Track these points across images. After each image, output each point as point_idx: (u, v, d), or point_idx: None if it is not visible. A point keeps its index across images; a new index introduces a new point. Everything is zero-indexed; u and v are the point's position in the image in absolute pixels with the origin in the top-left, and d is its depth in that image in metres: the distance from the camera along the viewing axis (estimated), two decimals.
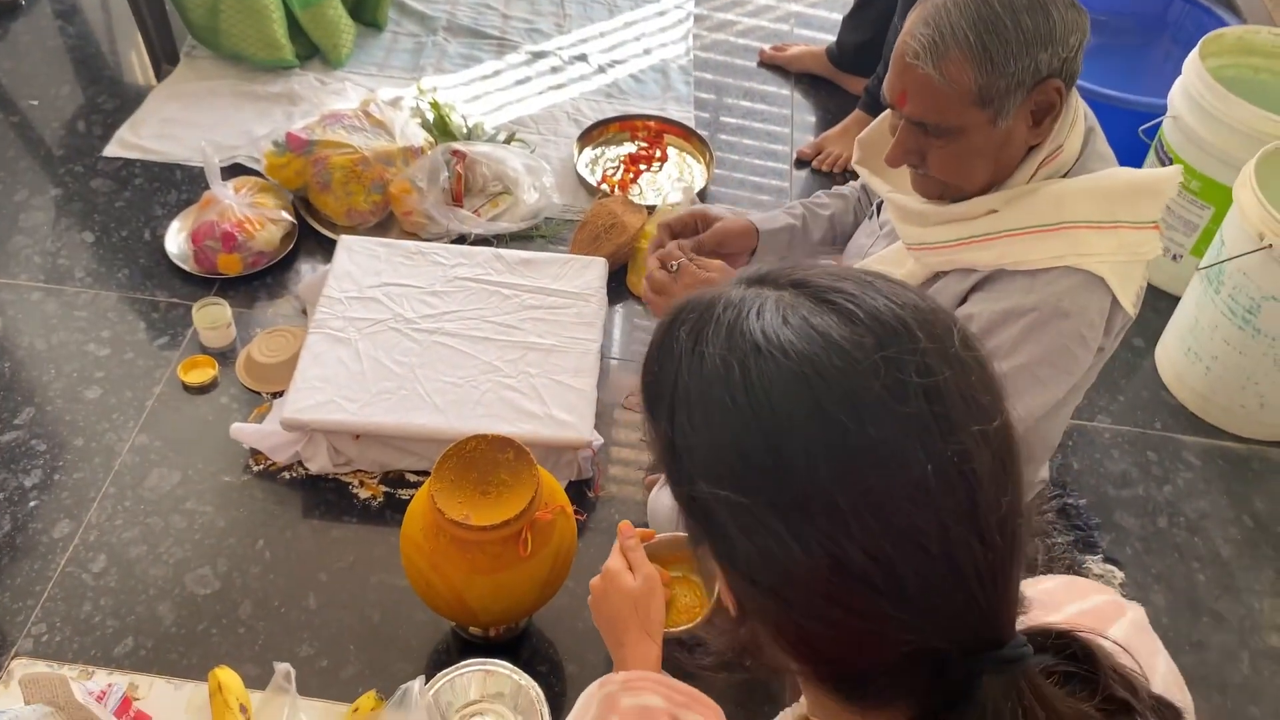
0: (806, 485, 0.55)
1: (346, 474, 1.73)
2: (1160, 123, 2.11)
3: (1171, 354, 2.02)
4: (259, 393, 1.84)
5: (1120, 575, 1.69)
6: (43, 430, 1.76)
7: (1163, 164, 2.10)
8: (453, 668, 1.19)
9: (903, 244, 1.28)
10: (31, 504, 1.66)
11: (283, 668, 1.26)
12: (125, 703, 1.22)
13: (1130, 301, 1.19)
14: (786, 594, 0.58)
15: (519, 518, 1.29)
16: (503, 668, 1.21)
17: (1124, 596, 1.69)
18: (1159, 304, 2.12)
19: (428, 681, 1.18)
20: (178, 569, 1.60)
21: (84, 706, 1.10)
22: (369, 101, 2.21)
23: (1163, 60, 2.74)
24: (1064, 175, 1.19)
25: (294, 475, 1.72)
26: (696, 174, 2.36)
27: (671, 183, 2.33)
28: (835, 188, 1.57)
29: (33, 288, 1.99)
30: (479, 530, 1.28)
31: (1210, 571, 1.73)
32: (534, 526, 1.32)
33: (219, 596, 1.57)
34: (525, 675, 1.22)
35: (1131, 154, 2.20)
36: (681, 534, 1.28)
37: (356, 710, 1.23)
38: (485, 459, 1.36)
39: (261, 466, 1.73)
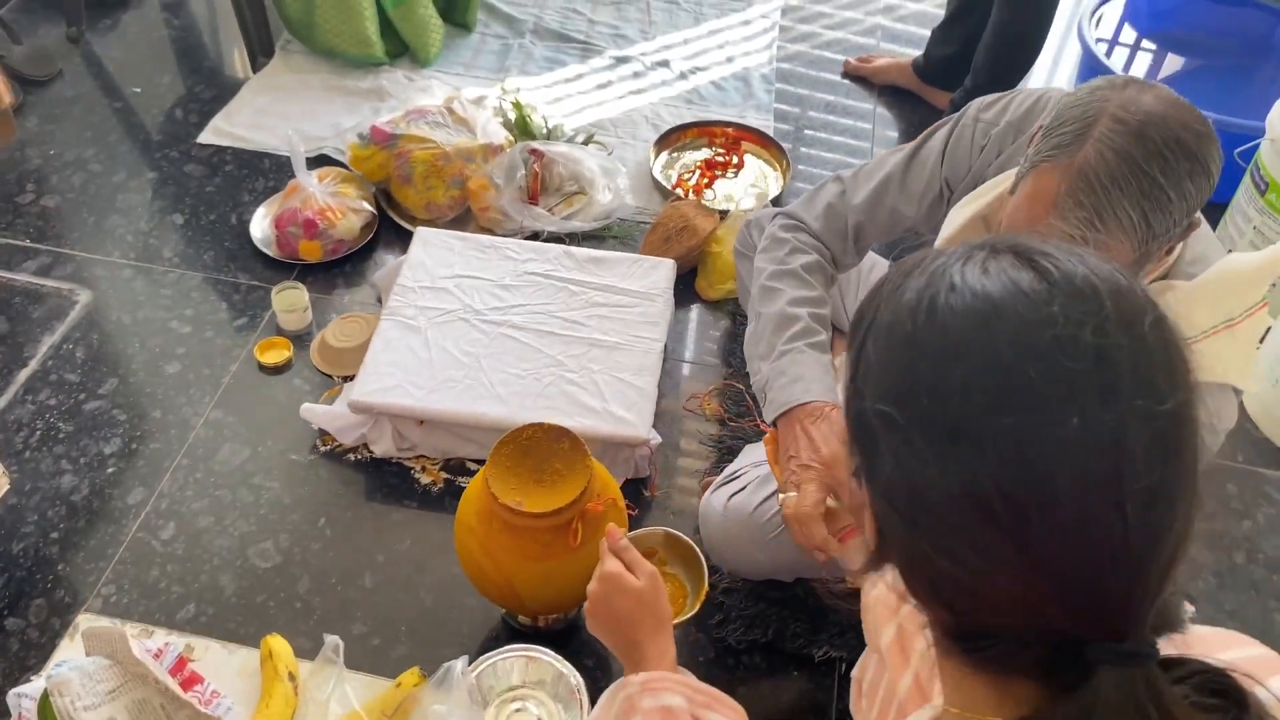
0: (960, 412, 0.57)
1: (410, 459, 1.76)
2: (1257, 145, 2.03)
3: (1259, 386, 1.94)
4: (331, 376, 1.88)
5: (1191, 609, 1.62)
6: (124, 401, 1.83)
7: (1258, 188, 2.03)
8: (495, 651, 1.20)
9: None
10: (109, 471, 1.73)
11: (332, 640, 1.28)
12: (180, 662, 1.25)
13: (1253, 377, 1.15)
14: (920, 519, 0.60)
15: (570, 507, 1.29)
16: (545, 655, 1.22)
17: None
18: None
19: (471, 663, 1.19)
20: (242, 541, 1.64)
21: (140, 662, 1.14)
22: (453, 99, 2.26)
23: (1268, 84, 2.65)
24: (1168, 272, 1.14)
25: (359, 457, 1.76)
26: (772, 181, 2.35)
27: (745, 189, 2.32)
28: (794, 270, 1.44)
29: (124, 265, 2.07)
30: (531, 517, 1.29)
31: None
32: (585, 517, 1.32)
33: (279, 570, 1.61)
34: (568, 664, 1.23)
35: (1226, 177, 2.12)
36: (657, 528, 1.28)
37: (399, 686, 1.24)
38: (541, 447, 1.37)
39: (328, 447, 1.77)
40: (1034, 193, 1.05)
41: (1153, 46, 2.80)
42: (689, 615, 1.20)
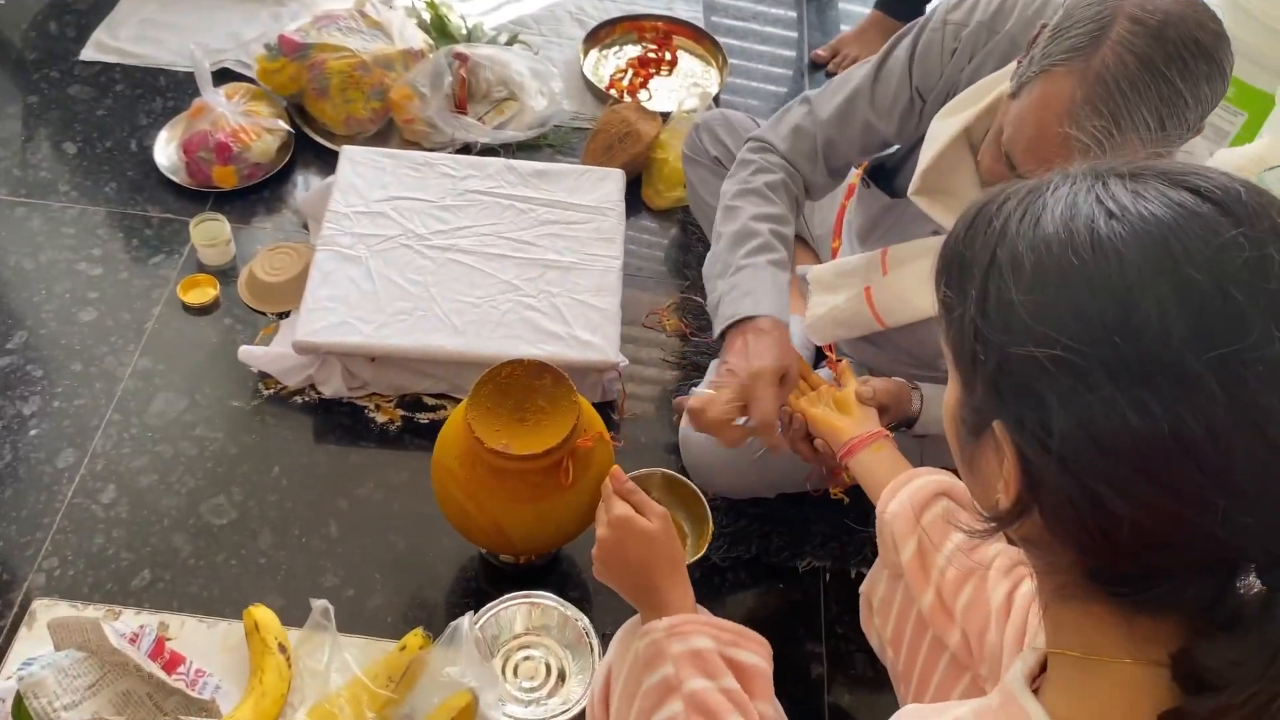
0: (1156, 348, 0.53)
1: (362, 398, 1.66)
2: None
3: None
4: (263, 313, 1.76)
5: None
6: (38, 355, 1.68)
7: None
8: (497, 601, 1.16)
9: None
10: (32, 432, 1.59)
11: (320, 604, 1.21)
12: (159, 643, 1.17)
13: None
14: (1104, 470, 0.55)
15: (560, 446, 1.23)
16: (549, 599, 1.17)
17: None
18: None
19: (476, 613, 1.13)
20: (191, 498, 1.54)
21: (118, 650, 1.05)
22: (364, 1, 2.08)
23: None
24: None
25: (306, 399, 1.66)
26: (711, 79, 2.26)
27: (687, 87, 2.22)
28: (757, 188, 1.40)
29: (14, 203, 1.88)
30: (520, 460, 1.22)
31: None
32: (575, 454, 1.27)
33: (237, 526, 1.52)
34: (572, 607, 1.18)
35: None
36: (655, 470, 1.25)
37: (404, 649, 1.19)
38: (521, 385, 1.30)
39: (272, 391, 1.66)
40: (1044, 99, 1.00)
41: None
42: (696, 557, 1.17)
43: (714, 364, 1.65)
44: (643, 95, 2.19)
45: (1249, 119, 1.96)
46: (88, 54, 2.13)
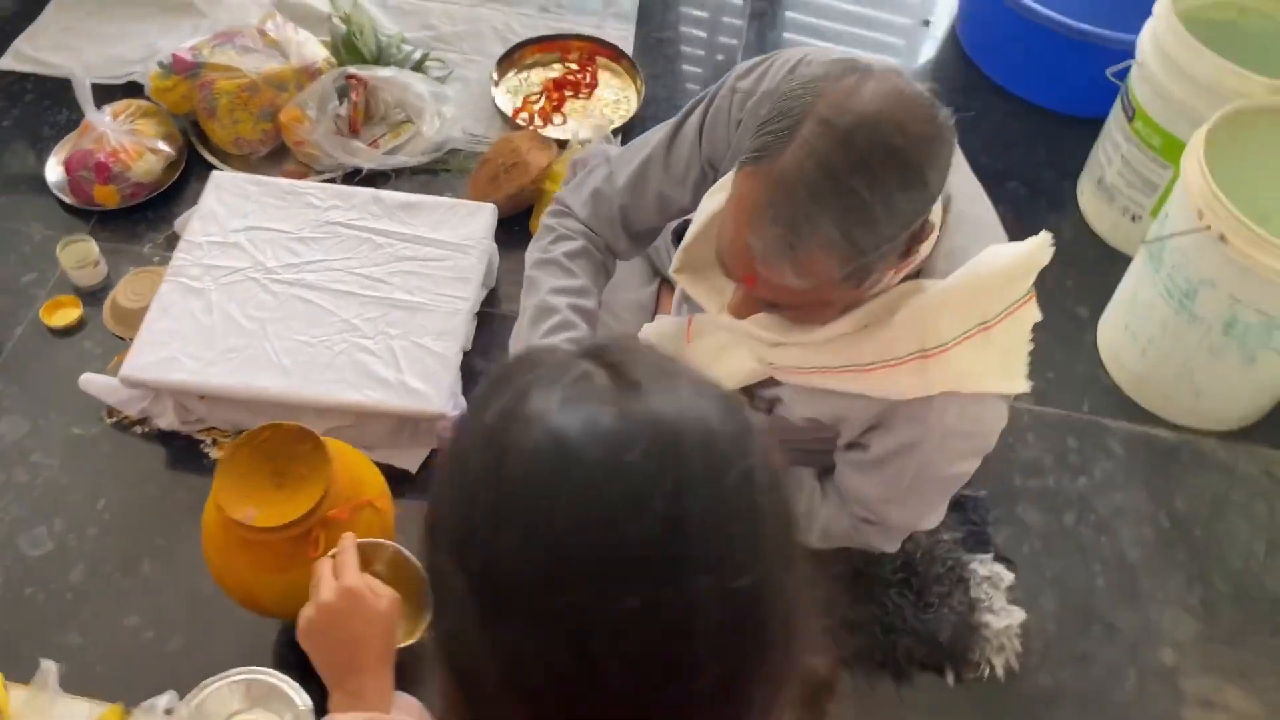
0: (510, 579, 0.51)
1: (199, 431, 1.65)
2: (1129, 67, 1.88)
3: (1111, 330, 1.85)
4: (124, 338, 1.76)
5: (1010, 578, 1.57)
6: None
7: (1126, 114, 1.88)
8: (215, 677, 1.13)
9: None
10: None
11: (47, 664, 1.21)
12: None
13: (1024, 378, 1.05)
14: (471, 688, 0.54)
15: (304, 519, 1.20)
16: (269, 675, 1.15)
17: (1010, 601, 1.57)
18: (1112, 267, 1.92)
19: (184, 697, 1.11)
20: (12, 528, 1.55)
21: None
22: (268, 18, 2.05)
23: None
24: (918, 271, 1.03)
25: (147, 430, 1.65)
26: (629, 104, 2.18)
27: (598, 114, 2.15)
28: (556, 258, 1.32)
29: None
30: (262, 531, 1.19)
31: (1112, 576, 1.61)
32: (328, 525, 1.23)
33: (51, 558, 1.52)
34: (294, 684, 1.15)
35: (1100, 97, 1.98)
36: (388, 543, 1.20)
37: None
38: (282, 450, 1.27)
39: (114, 419, 1.66)
40: (735, 202, 0.93)
41: None
42: (409, 642, 1.12)
43: None
44: (555, 120, 2.13)
45: (1173, 175, 1.82)
46: (5, 63, 2.15)
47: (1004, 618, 1.52)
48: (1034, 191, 2.09)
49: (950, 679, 1.48)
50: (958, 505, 1.61)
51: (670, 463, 0.50)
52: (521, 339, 1.29)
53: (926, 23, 2.45)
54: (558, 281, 1.29)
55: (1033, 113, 2.22)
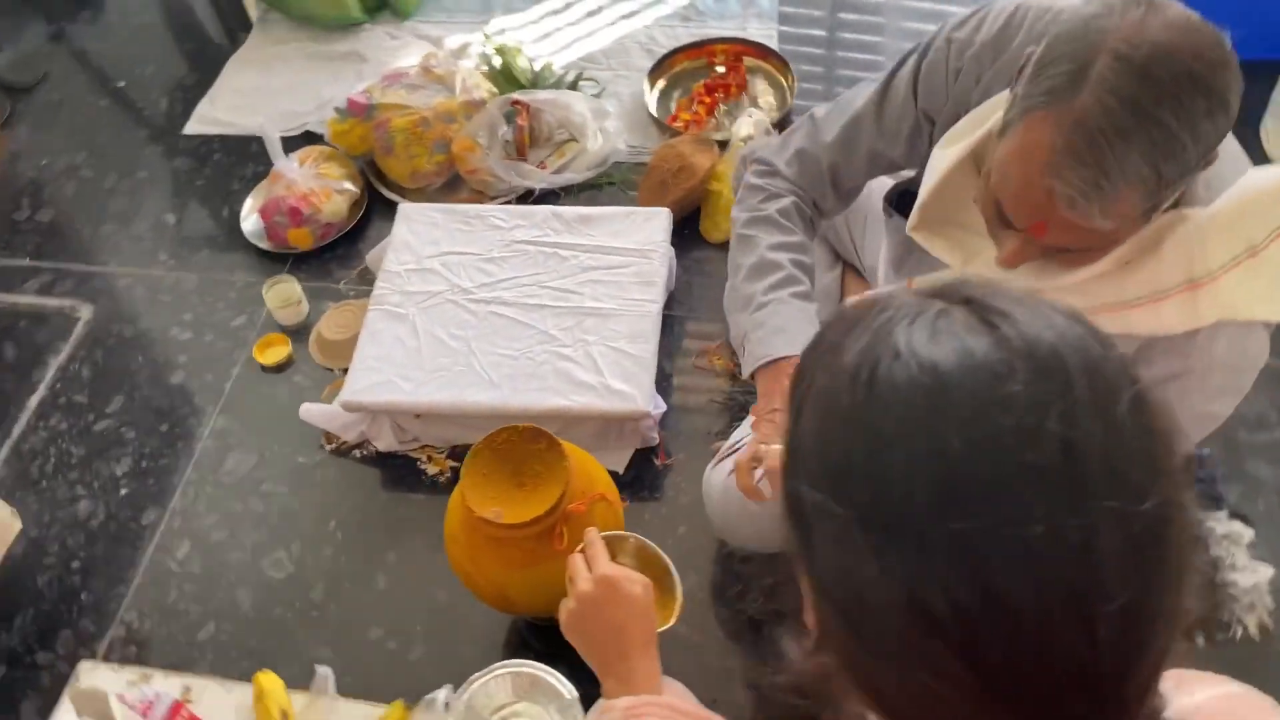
0: (901, 508, 0.50)
1: (414, 450, 1.72)
2: None
3: None
4: (331, 369, 1.85)
5: (1249, 534, 1.50)
6: (131, 418, 1.83)
7: None
8: (484, 671, 1.17)
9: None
10: (123, 492, 1.73)
11: (323, 670, 1.27)
12: (176, 708, 1.25)
13: None
14: (860, 623, 0.53)
15: (549, 514, 1.23)
16: (535, 668, 1.18)
17: (1253, 557, 1.50)
18: None
19: (458, 689, 1.15)
20: (255, 553, 1.64)
21: None
22: (430, 56, 2.15)
23: None
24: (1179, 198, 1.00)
25: (365, 453, 1.73)
26: (782, 100, 2.19)
27: (755, 111, 2.17)
28: (769, 215, 1.33)
29: (121, 275, 2.05)
30: (509, 528, 1.23)
31: None
32: (569, 519, 1.27)
33: (292, 580, 1.60)
34: (560, 676, 1.18)
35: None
36: (628, 535, 1.21)
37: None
38: (518, 450, 1.31)
39: (333, 446, 1.74)
40: (1025, 148, 0.91)
41: None
42: (662, 629, 1.14)
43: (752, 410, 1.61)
44: (709, 124, 2.16)
45: None
46: (191, 127, 2.30)
47: (1250, 575, 1.45)
48: None
49: (1200, 641, 1.42)
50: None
51: (1057, 388, 0.49)
52: (740, 295, 1.30)
53: None
54: (775, 238, 1.30)
55: None
